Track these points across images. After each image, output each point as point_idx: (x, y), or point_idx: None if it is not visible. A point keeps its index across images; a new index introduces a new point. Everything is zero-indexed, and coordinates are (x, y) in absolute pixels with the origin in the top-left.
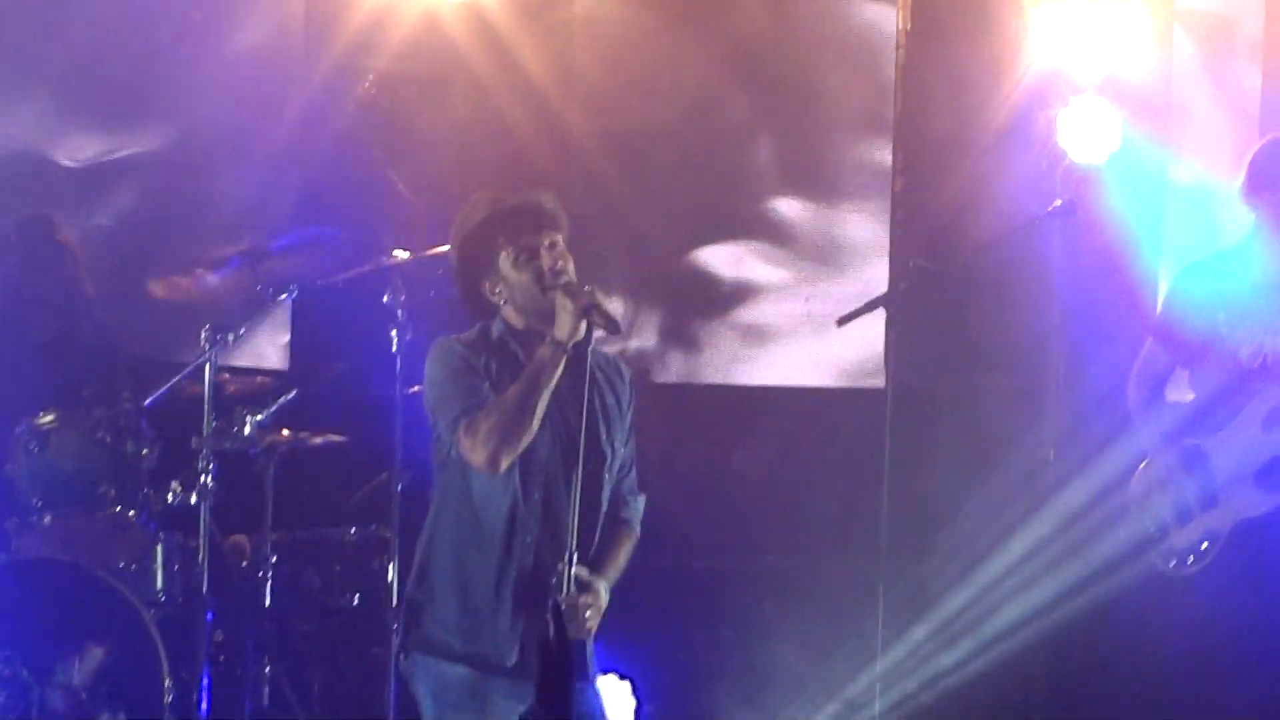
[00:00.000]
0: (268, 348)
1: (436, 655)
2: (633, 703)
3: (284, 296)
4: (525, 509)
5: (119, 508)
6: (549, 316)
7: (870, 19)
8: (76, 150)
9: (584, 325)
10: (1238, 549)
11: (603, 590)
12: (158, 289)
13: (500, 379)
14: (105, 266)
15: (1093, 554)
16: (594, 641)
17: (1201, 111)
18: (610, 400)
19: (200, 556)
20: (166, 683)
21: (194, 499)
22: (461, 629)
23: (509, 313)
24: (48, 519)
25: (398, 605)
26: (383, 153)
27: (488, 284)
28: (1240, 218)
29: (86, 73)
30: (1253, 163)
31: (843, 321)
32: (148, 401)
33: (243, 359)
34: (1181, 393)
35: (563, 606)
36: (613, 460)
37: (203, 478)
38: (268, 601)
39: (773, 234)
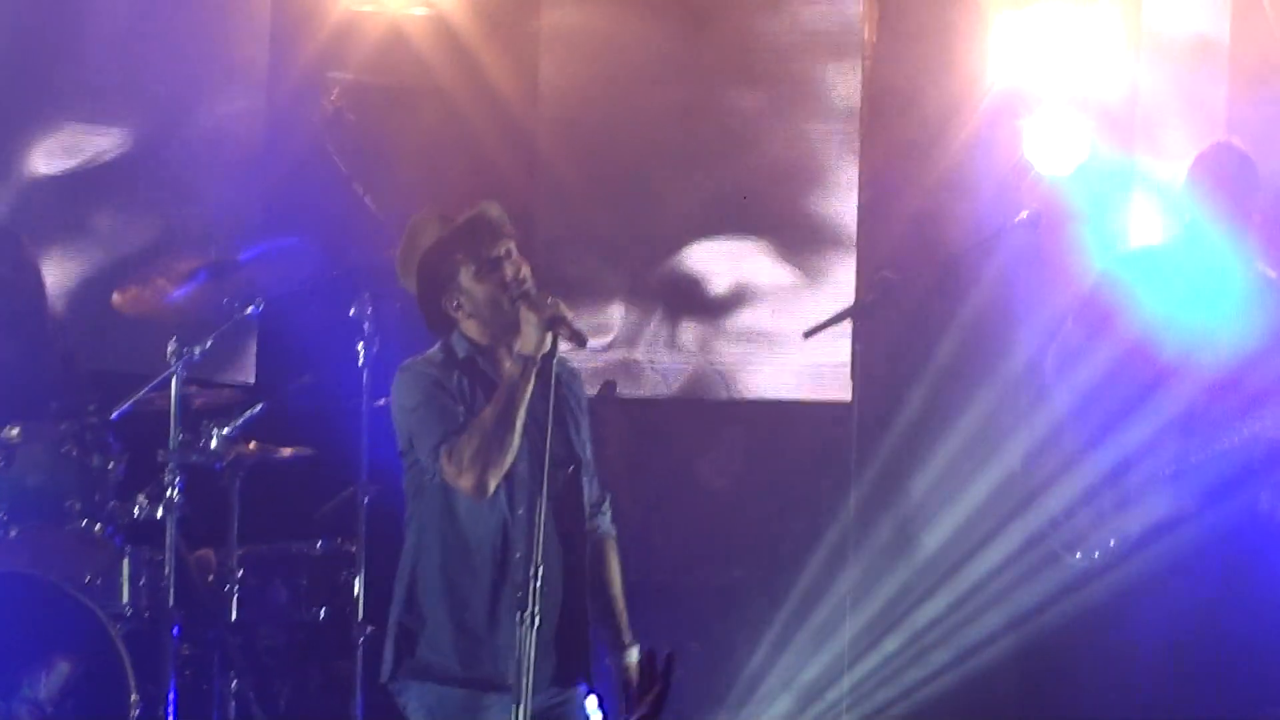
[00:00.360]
0: (234, 361)
1: (433, 680)
2: (599, 716)
3: (250, 309)
4: (514, 524)
5: (85, 521)
6: (513, 326)
7: (838, 28)
8: (40, 162)
9: (550, 338)
10: (1198, 554)
11: (633, 661)
12: (122, 303)
13: (474, 398)
14: (70, 279)
15: (1062, 565)
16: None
17: (1168, 123)
18: (573, 402)
19: (167, 570)
20: (133, 696)
21: (160, 512)
22: (459, 651)
23: (470, 327)
24: (13, 533)
25: (363, 620)
26: (349, 164)
27: (445, 299)
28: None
29: (47, 84)
30: (1196, 163)
31: (809, 334)
32: (114, 415)
33: (209, 372)
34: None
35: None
36: (585, 461)
37: (169, 491)
38: (234, 615)
39: (737, 248)
